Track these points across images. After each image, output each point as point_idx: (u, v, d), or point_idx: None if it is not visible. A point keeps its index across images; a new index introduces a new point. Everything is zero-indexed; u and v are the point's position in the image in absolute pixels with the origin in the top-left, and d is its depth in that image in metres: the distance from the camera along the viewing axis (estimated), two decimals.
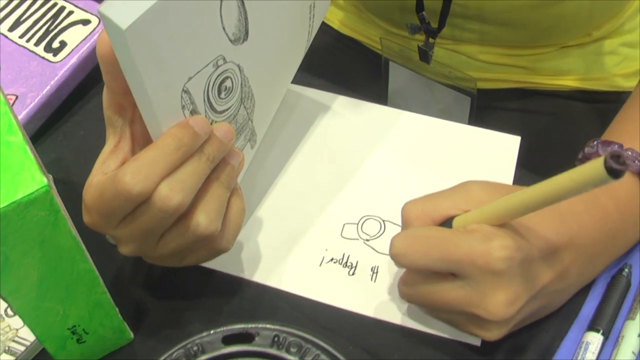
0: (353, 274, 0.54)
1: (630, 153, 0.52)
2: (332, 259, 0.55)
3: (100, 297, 0.47)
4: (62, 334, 0.47)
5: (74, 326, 0.47)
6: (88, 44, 0.64)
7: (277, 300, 0.53)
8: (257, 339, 0.39)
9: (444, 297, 0.47)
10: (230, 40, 0.46)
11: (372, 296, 0.53)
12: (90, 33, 0.64)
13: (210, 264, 0.53)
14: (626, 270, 0.54)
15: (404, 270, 0.50)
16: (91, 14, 0.65)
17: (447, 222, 0.48)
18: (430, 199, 0.49)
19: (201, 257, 0.49)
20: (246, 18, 0.46)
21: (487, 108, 0.79)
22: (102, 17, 0.38)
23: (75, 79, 0.65)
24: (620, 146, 0.52)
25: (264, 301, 0.53)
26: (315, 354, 0.39)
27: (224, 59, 0.46)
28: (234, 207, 0.48)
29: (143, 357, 0.50)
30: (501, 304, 0.45)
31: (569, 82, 0.80)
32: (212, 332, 0.40)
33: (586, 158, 0.55)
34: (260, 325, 0.40)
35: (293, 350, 0.39)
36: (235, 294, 0.53)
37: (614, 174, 0.36)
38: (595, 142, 0.54)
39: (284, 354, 0.39)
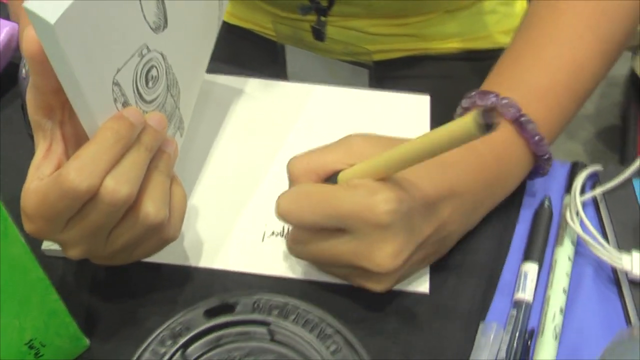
0: None
1: (505, 101, 0.54)
2: (272, 233, 0.56)
3: (55, 305, 0.46)
4: (19, 350, 0.45)
5: (31, 340, 0.45)
6: None
7: (227, 281, 0.53)
8: (238, 307, 0.40)
9: (332, 252, 0.48)
10: (152, 29, 0.46)
11: None
12: None
13: (155, 259, 0.52)
14: (547, 202, 0.58)
15: None
16: None
17: (332, 177, 0.49)
18: (315, 154, 0.50)
19: (150, 249, 0.49)
20: (164, 5, 0.46)
21: (383, 78, 0.81)
22: (28, 14, 0.37)
23: None
24: (497, 95, 0.55)
25: (215, 284, 0.53)
26: (297, 312, 0.40)
27: (147, 47, 0.46)
28: (176, 195, 0.49)
29: None
30: (387, 256, 0.46)
31: (456, 44, 0.85)
32: (191, 308, 0.40)
33: (465, 109, 0.58)
34: (239, 295, 0.40)
35: (275, 312, 0.40)
36: (185, 282, 0.53)
37: (484, 128, 0.38)
38: (473, 93, 0.56)
39: (267, 318, 0.39)
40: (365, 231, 0.46)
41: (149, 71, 0.47)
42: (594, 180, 0.59)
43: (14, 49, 0.64)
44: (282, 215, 0.48)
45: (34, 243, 0.46)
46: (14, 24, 0.63)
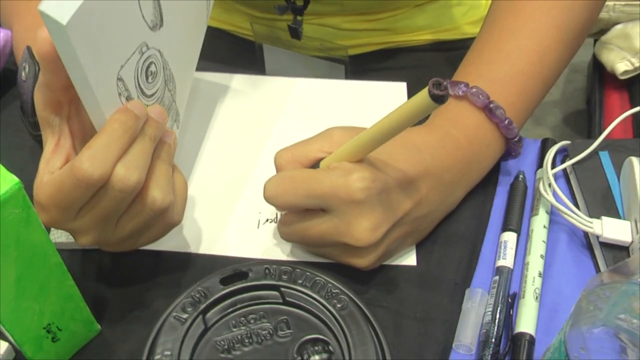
0: None
1: (474, 90, 0.58)
2: (267, 220, 0.59)
3: (70, 289, 0.48)
4: (38, 334, 0.48)
5: (49, 324, 0.48)
6: None
7: (227, 265, 0.55)
8: (250, 274, 0.43)
9: (316, 231, 0.52)
10: (150, 27, 0.49)
11: None
12: None
13: (158, 246, 0.55)
14: (521, 176, 0.62)
15: None
16: None
17: (315, 166, 0.53)
18: (298, 145, 0.54)
19: (156, 234, 0.52)
20: (160, 5, 0.50)
21: (359, 72, 0.85)
22: (42, 16, 0.40)
23: None
24: (466, 85, 0.59)
25: (216, 268, 0.55)
26: (304, 276, 0.43)
27: (146, 45, 0.49)
28: (178, 181, 0.52)
29: (116, 344, 0.52)
30: (365, 230, 0.50)
31: (426, 36, 0.89)
32: (208, 277, 0.43)
33: None
34: (251, 263, 0.43)
35: (285, 277, 0.43)
36: (187, 267, 0.56)
37: (437, 99, 0.42)
38: (445, 83, 0.60)
39: (278, 282, 0.43)
40: (342, 208, 0.50)
41: (148, 67, 0.50)
42: (563, 155, 0.64)
43: (8, 54, 0.66)
44: (268, 198, 0.52)
45: None
46: (7, 31, 0.66)
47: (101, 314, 0.54)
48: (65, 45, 0.42)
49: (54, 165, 0.48)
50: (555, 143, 0.64)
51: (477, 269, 0.57)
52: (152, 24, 0.49)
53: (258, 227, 0.58)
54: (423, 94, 0.42)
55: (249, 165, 0.62)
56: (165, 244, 0.56)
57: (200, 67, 0.72)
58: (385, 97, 0.67)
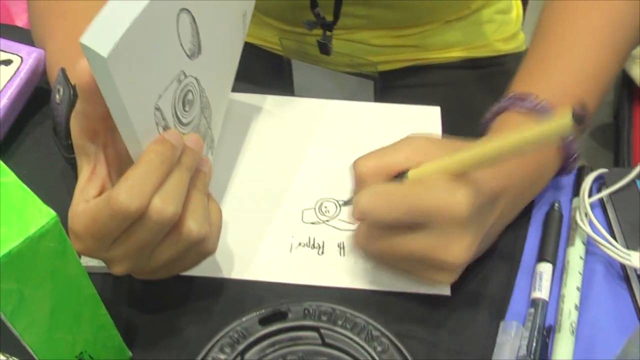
0: (322, 253, 0.58)
1: (543, 103, 0.57)
2: (300, 244, 0.58)
3: (103, 319, 0.48)
4: None
5: (81, 353, 0.48)
6: (15, 83, 0.64)
7: (260, 290, 0.56)
8: (290, 315, 0.42)
9: (407, 247, 0.51)
10: (188, 56, 0.49)
11: (345, 269, 0.57)
12: (15, 73, 0.64)
13: (189, 272, 0.55)
14: (557, 205, 0.61)
15: None
16: (11, 53, 0.65)
17: (399, 176, 0.52)
18: (382, 154, 0.53)
19: (190, 263, 0.51)
20: (198, 33, 0.49)
21: (387, 88, 0.84)
22: (83, 48, 0.40)
23: (7, 121, 0.64)
24: (532, 98, 0.58)
25: (249, 294, 0.55)
26: (344, 317, 0.43)
27: (184, 73, 0.49)
28: (213, 210, 0.51)
29: None
30: (463, 250, 0.50)
31: (456, 53, 0.88)
32: (246, 317, 0.42)
33: (498, 113, 0.60)
34: (290, 303, 0.43)
35: (324, 318, 0.42)
36: (220, 293, 0.56)
37: (578, 124, 0.41)
38: (510, 96, 0.60)
39: (317, 323, 0.42)
40: (444, 226, 0.49)
41: (185, 95, 0.49)
42: (599, 183, 0.63)
43: (40, 73, 0.66)
44: (363, 212, 0.50)
45: None
46: (41, 50, 0.66)
47: (132, 340, 0.53)
48: (105, 77, 0.41)
49: (89, 193, 0.47)
50: (592, 171, 0.63)
51: (512, 301, 0.56)
52: (190, 52, 0.49)
53: (290, 251, 0.58)
54: (564, 118, 0.41)
55: (280, 188, 0.62)
56: (196, 269, 0.55)
57: None
58: (418, 121, 0.67)
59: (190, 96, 0.50)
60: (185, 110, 0.50)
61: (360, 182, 0.53)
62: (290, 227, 0.59)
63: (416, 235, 0.50)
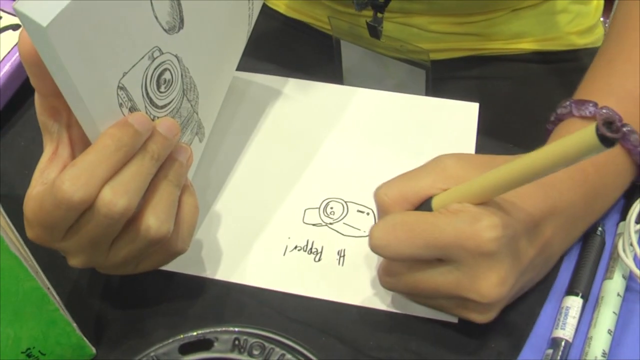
0: (319, 260, 0.52)
1: (605, 111, 0.50)
2: (296, 247, 0.53)
3: (53, 314, 0.44)
4: (16, 358, 0.44)
5: (29, 349, 0.44)
6: None
7: (242, 296, 0.50)
8: (216, 344, 0.37)
9: (431, 284, 0.45)
10: (165, 30, 0.43)
11: (341, 281, 0.51)
12: None
13: (170, 267, 0.50)
14: (600, 229, 0.52)
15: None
16: None
17: (425, 203, 0.45)
18: (406, 180, 0.46)
19: (157, 262, 0.47)
20: (179, 5, 0.44)
21: (443, 79, 0.77)
22: (18, 15, 0.35)
23: (10, 88, 0.62)
24: (595, 104, 0.51)
25: (230, 299, 0.50)
26: (280, 354, 0.37)
27: (159, 50, 0.43)
28: (186, 206, 0.46)
29: None
30: (493, 286, 0.43)
31: (524, 45, 0.79)
32: (167, 342, 0.37)
33: (559, 119, 0.54)
34: (218, 329, 0.37)
35: (255, 352, 0.37)
36: (198, 295, 0.51)
37: (607, 142, 0.33)
38: (568, 102, 0.52)
39: (246, 358, 0.36)
40: (468, 261, 0.43)
41: (161, 74, 0.44)
42: None
43: None
44: (376, 247, 0.44)
45: (37, 248, 0.46)
46: None
47: (100, 337, 0.50)
48: (47, 50, 0.36)
49: (49, 176, 0.43)
50: None
51: (530, 338, 0.49)
52: (168, 26, 0.43)
53: (284, 254, 0.52)
54: (587, 134, 0.34)
55: (286, 182, 0.56)
56: (178, 265, 0.51)
57: (273, 61, 0.65)
58: (452, 117, 0.59)
59: (167, 75, 0.45)
60: (160, 92, 0.45)
61: (382, 213, 0.46)
62: (288, 227, 0.54)
63: (440, 270, 0.44)
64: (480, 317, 0.46)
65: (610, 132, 0.33)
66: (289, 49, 0.85)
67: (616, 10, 0.60)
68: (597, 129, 0.33)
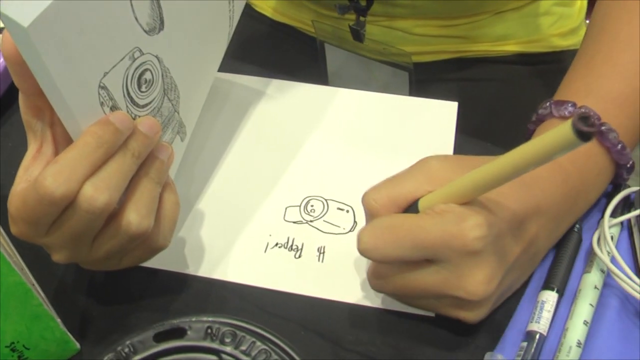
0: (299, 256, 0.53)
1: (584, 110, 0.51)
2: (276, 244, 0.53)
3: (37, 309, 0.45)
4: (0, 352, 0.45)
5: (12, 343, 0.45)
6: None
7: (224, 292, 0.51)
8: (189, 333, 0.38)
9: (419, 284, 0.45)
10: (145, 31, 0.44)
11: (321, 277, 0.52)
12: None
13: (153, 263, 0.51)
14: (577, 226, 0.53)
15: (354, 248, 0.49)
16: None
17: (412, 205, 0.46)
18: (393, 184, 0.47)
19: (139, 257, 0.48)
20: (159, 7, 0.45)
21: (427, 81, 0.78)
22: (1, 16, 0.36)
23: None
24: (574, 104, 0.52)
25: (212, 295, 0.51)
26: (251, 342, 0.38)
27: (140, 50, 0.44)
28: (167, 202, 0.47)
29: None
30: (480, 283, 0.44)
31: (507, 47, 0.80)
32: (142, 331, 0.38)
33: (540, 120, 0.55)
34: (192, 319, 0.38)
35: (227, 340, 0.38)
36: (181, 290, 0.52)
37: (583, 136, 0.34)
38: (548, 103, 0.53)
39: (217, 345, 0.37)
40: (455, 260, 0.43)
41: (142, 75, 0.45)
42: (630, 203, 0.55)
43: None
44: (365, 251, 0.45)
45: (23, 246, 0.47)
46: None
47: (85, 332, 0.50)
48: (28, 50, 0.37)
49: (32, 173, 0.44)
50: (620, 188, 0.55)
51: (507, 332, 0.49)
52: (148, 27, 0.44)
53: (265, 252, 0.53)
54: (564, 130, 0.35)
55: (268, 181, 0.57)
56: (161, 262, 0.52)
57: (259, 63, 0.66)
58: (432, 116, 0.60)
59: (148, 75, 0.46)
60: (141, 91, 0.46)
61: (370, 217, 0.47)
62: (269, 225, 0.54)
63: (428, 270, 0.45)
64: (470, 316, 0.46)
65: (586, 127, 0.34)
66: (275, 52, 0.86)
67: (594, 11, 0.61)
68: (573, 124, 0.34)
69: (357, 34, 0.76)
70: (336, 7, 0.74)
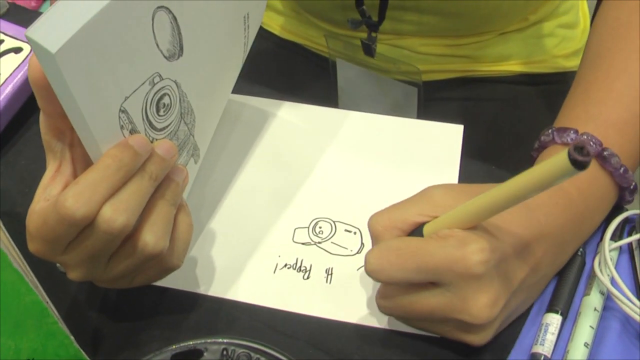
0: (308, 277, 0.54)
1: (585, 137, 0.52)
2: (285, 265, 0.54)
3: (52, 327, 0.46)
4: None
5: None
6: (22, 72, 0.63)
7: (234, 311, 0.52)
8: (205, 354, 0.39)
9: (425, 307, 0.46)
10: (165, 57, 0.45)
11: (329, 298, 0.53)
12: (23, 61, 0.63)
13: (165, 283, 0.52)
14: (580, 250, 0.54)
15: (361, 270, 0.50)
16: (22, 41, 0.64)
17: (416, 230, 0.47)
18: (396, 209, 0.48)
19: (152, 277, 0.49)
20: (179, 33, 0.46)
21: (432, 99, 0.79)
22: (30, 42, 0.37)
23: (12, 108, 0.63)
24: (576, 131, 0.53)
25: (222, 314, 0.52)
26: None
27: (160, 76, 0.45)
28: (181, 224, 0.48)
29: None
30: (484, 306, 0.45)
31: (512, 67, 0.81)
32: (160, 352, 0.39)
33: (542, 147, 0.56)
34: (208, 340, 0.39)
35: None
36: (192, 309, 0.53)
37: (579, 165, 0.36)
38: (550, 130, 0.55)
39: None
40: (458, 283, 0.44)
41: (160, 99, 0.46)
42: (630, 227, 0.56)
43: None
44: (372, 272, 0.46)
45: (39, 264, 0.47)
46: None
47: (96, 349, 0.51)
48: (55, 75, 0.38)
49: (51, 192, 0.45)
50: (620, 211, 0.56)
51: (512, 354, 0.50)
52: (168, 53, 0.45)
53: (274, 272, 0.54)
54: (561, 159, 0.36)
55: (277, 202, 0.58)
56: (173, 281, 0.53)
57: (267, 82, 0.68)
58: (438, 139, 0.61)
59: (166, 100, 0.47)
60: (159, 115, 0.47)
61: (375, 240, 0.49)
62: (279, 246, 0.56)
63: (432, 293, 0.46)
64: (476, 339, 0.47)
65: (581, 156, 0.36)
66: (283, 70, 0.87)
67: (590, 35, 0.62)
68: (569, 154, 0.36)
69: (369, 49, 0.77)
70: (348, 21, 0.75)
